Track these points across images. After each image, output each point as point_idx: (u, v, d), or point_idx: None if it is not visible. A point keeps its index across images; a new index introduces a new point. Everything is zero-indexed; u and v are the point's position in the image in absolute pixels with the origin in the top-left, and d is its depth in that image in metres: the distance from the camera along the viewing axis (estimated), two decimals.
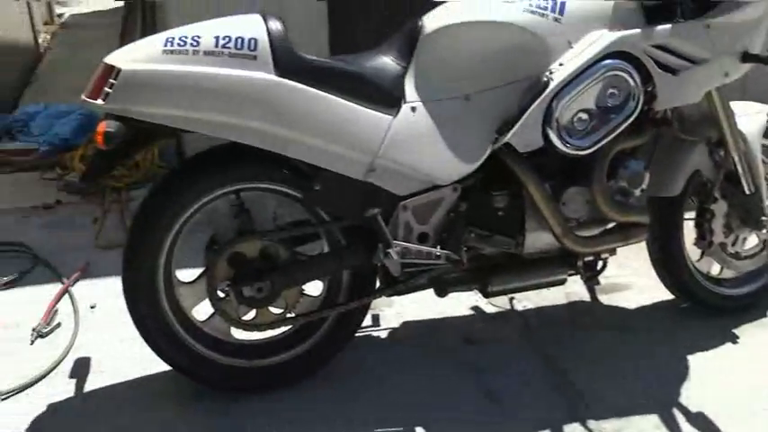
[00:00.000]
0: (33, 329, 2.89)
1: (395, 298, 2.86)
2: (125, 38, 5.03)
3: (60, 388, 2.62)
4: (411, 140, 2.36)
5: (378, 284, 2.60)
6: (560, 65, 2.39)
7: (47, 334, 2.91)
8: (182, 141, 4.29)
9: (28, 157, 4.60)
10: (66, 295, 3.16)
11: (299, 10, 4.20)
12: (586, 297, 3.18)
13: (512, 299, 3.11)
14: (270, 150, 2.29)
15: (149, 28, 5.13)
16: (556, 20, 2.40)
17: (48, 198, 4.15)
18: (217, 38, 2.22)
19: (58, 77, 6.67)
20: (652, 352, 2.81)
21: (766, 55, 2.59)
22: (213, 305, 2.46)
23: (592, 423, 2.44)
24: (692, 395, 2.57)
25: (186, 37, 2.22)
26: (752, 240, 3.01)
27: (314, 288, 2.61)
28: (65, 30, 9.14)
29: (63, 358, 2.77)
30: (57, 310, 3.06)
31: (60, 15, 9.85)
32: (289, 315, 2.53)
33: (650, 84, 2.48)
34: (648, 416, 2.47)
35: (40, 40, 7.98)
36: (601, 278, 3.10)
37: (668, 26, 2.46)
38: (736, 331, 2.93)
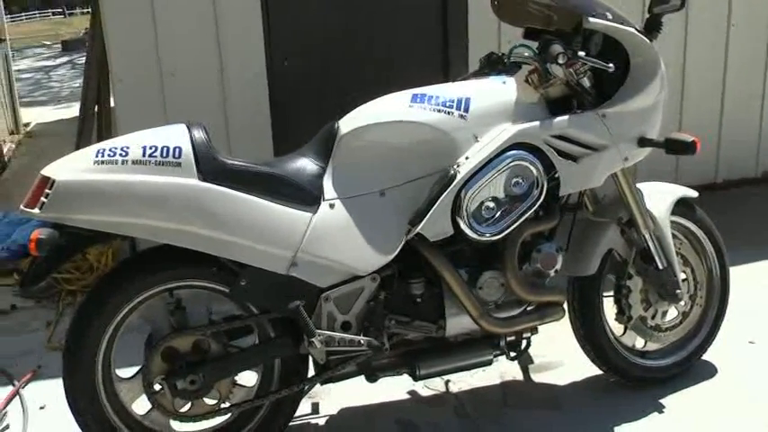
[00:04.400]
0: None
1: (332, 386, 2.98)
2: (80, 145, 5.21)
3: None
4: (330, 235, 2.52)
5: (310, 373, 2.71)
6: (467, 158, 2.57)
7: None
8: (136, 244, 4.43)
9: None
10: (17, 397, 3.23)
11: (246, 117, 4.45)
12: (519, 376, 3.29)
13: (447, 381, 3.23)
14: (198, 250, 2.44)
15: (105, 135, 5.35)
16: (461, 116, 2.60)
17: (3, 304, 4.25)
18: (144, 147, 2.39)
19: (21, 185, 6.82)
20: (581, 426, 2.93)
21: (661, 140, 2.79)
22: (149, 399, 2.56)
23: None
24: None
25: (116, 148, 2.39)
26: (672, 313, 3.17)
27: (248, 379, 2.72)
28: (31, 138, 9.37)
29: None
30: (6, 412, 3.14)
31: (27, 124, 10.10)
32: (223, 405, 2.63)
33: (554, 171, 2.67)
34: None
35: (5, 150, 8.18)
36: (534, 357, 3.26)
37: (566, 117, 2.66)
38: (662, 401, 3.06)
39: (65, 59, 21.26)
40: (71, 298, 4.25)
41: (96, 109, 5.65)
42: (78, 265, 4.38)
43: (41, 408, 3.19)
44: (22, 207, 2.37)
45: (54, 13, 43.45)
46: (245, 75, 4.58)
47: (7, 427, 3.06)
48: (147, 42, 4.38)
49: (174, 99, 4.39)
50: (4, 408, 3.15)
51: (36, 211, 2.32)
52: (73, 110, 10.40)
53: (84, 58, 20.25)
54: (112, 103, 5.15)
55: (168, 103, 4.39)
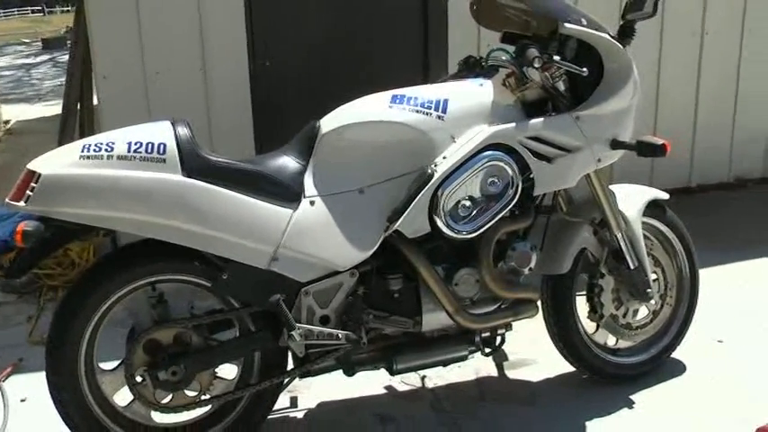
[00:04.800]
0: None
1: (312, 381, 3.04)
2: (63, 142, 5.25)
3: None
4: (310, 231, 2.58)
5: (289, 366, 2.78)
6: (444, 157, 2.65)
7: None
8: (117, 239, 4.48)
9: None
10: None
11: (229, 117, 4.52)
12: (495, 373, 3.37)
13: (423, 377, 3.30)
14: (181, 244, 2.50)
15: (88, 132, 5.38)
16: (439, 117, 2.67)
17: None
18: (129, 143, 2.44)
19: (3, 182, 6.84)
20: (555, 421, 3.02)
21: (633, 142, 2.87)
22: (131, 390, 2.61)
23: None
24: None
25: (101, 143, 2.44)
26: (642, 312, 3.26)
27: (228, 372, 2.78)
28: (11, 136, 9.37)
29: None
30: None
31: (7, 122, 10.09)
32: (203, 397, 2.69)
33: (528, 171, 2.75)
34: None
35: None
36: (509, 354, 3.34)
37: (541, 119, 2.74)
38: (632, 397, 3.15)
39: (45, 57, 21.20)
40: (52, 293, 4.29)
41: (78, 106, 5.68)
42: (60, 260, 4.40)
43: (22, 400, 3.23)
44: (7, 200, 2.42)
45: (33, 11, 43.23)
46: (228, 75, 4.64)
47: None
48: (131, 41, 4.43)
49: (157, 97, 4.45)
50: None
51: (21, 204, 2.37)
52: (54, 107, 10.44)
53: (65, 56, 20.24)
54: (95, 101, 5.19)
55: (152, 102, 4.44)
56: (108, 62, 4.44)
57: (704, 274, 3.42)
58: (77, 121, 5.46)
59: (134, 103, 4.38)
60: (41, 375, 3.19)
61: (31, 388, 3.27)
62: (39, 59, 20.96)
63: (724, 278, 4.14)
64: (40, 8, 44.14)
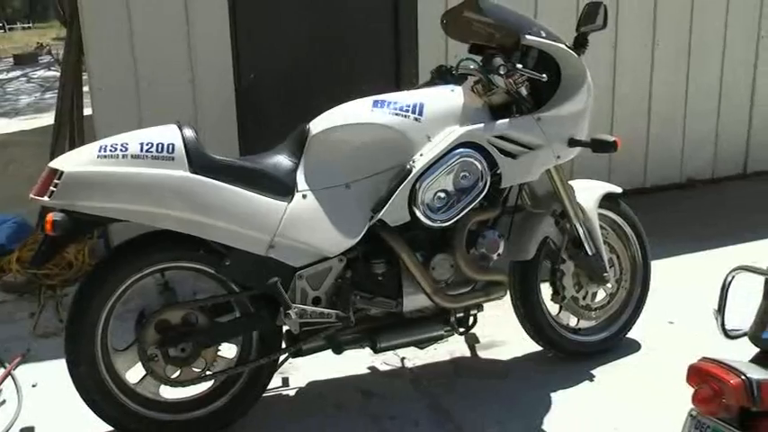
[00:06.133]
0: None
1: (302, 363, 3.35)
2: (56, 152, 5.49)
3: None
4: (303, 221, 2.89)
5: (283, 345, 3.08)
6: (421, 155, 2.98)
7: None
8: (109, 241, 4.75)
9: None
10: (10, 377, 3.52)
11: (215, 127, 4.83)
12: (468, 353, 3.70)
13: (403, 358, 3.61)
14: (187, 234, 2.80)
15: (78, 141, 5.63)
16: (416, 119, 3.00)
17: None
18: (141, 144, 2.74)
19: None
20: (524, 392, 3.33)
21: (588, 140, 3.22)
22: (144, 366, 2.90)
23: None
24: (552, 419, 3.11)
25: (116, 144, 2.74)
26: (600, 294, 3.60)
27: (229, 352, 3.07)
28: None
29: (9, 427, 3.14)
30: (0, 390, 3.42)
31: None
32: (208, 372, 2.98)
33: (496, 167, 3.09)
34: None
35: None
36: (480, 336, 3.65)
37: (506, 121, 3.09)
38: (593, 372, 3.48)
39: (18, 73, 21.26)
40: (51, 291, 4.55)
41: (68, 116, 5.93)
42: (57, 261, 4.66)
43: (33, 386, 3.48)
44: (32, 195, 2.70)
45: None
46: (215, 87, 4.94)
47: (3, 402, 3.35)
48: (124, 56, 4.71)
49: (148, 107, 4.72)
50: None
51: (45, 198, 2.65)
52: (32, 121, 10.66)
53: (38, 71, 20.20)
54: (87, 111, 5.44)
55: (143, 111, 4.71)
56: (102, 75, 4.72)
57: (657, 264, 3.78)
58: (69, 129, 5.69)
59: (127, 112, 4.65)
60: (49, 363, 3.50)
61: (41, 374, 3.54)
62: (11, 75, 21.02)
63: (675, 268, 4.49)
64: (0, 25, 43.82)
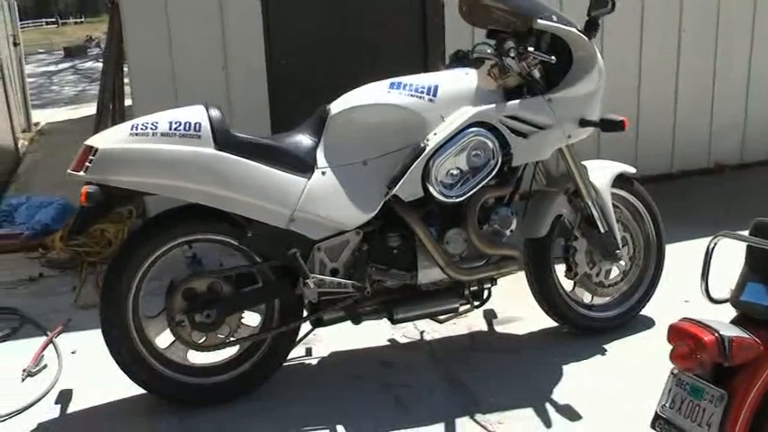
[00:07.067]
0: (24, 370, 3.48)
1: (325, 335, 3.52)
2: None
3: (49, 412, 3.21)
4: (322, 196, 3.06)
5: (304, 314, 3.25)
6: (435, 134, 3.12)
7: (35, 373, 3.50)
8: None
9: (14, 240, 5.24)
10: (51, 345, 3.75)
11: (247, 109, 5.02)
12: (485, 328, 3.83)
13: (422, 332, 3.76)
14: (213, 208, 2.97)
15: None
16: (431, 100, 3.15)
17: (32, 272, 4.79)
18: (170, 123, 2.93)
19: (36, 176, 7.43)
20: (538, 366, 3.44)
21: (597, 120, 3.33)
22: (172, 331, 3.09)
23: (479, 416, 3.07)
24: (564, 389, 3.22)
25: (147, 123, 2.93)
26: (614, 271, 3.70)
27: (252, 320, 3.24)
28: (41, 136, 9.95)
29: (50, 389, 3.36)
30: (43, 356, 3.64)
31: (37, 123, 10.67)
32: (231, 339, 3.16)
33: (508, 146, 3.21)
34: (527, 409, 3.09)
35: (19, 145, 8.72)
36: (497, 312, 3.78)
37: (517, 101, 3.21)
38: (606, 347, 3.58)
39: (67, 65, 21.82)
40: (91, 268, 4.78)
41: (111, 106, 6.18)
42: (97, 240, 4.91)
43: (73, 352, 3.70)
44: (69, 171, 2.90)
45: (47, 23, 43.88)
46: (247, 72, 5.14)
47: (45, 366, 3.56)
48: (162, 45, 4.94)
49: (184, 94, 4.90)
50: (41, 352, 3.64)
51: (81, 173, 2.85)
52: (79, 111, 11.03)
53: (85, 63, 20.78)
54: (127, 97, 5.68)
55: (180, 97, 4.89)
56: (141, 63, 4.95)
57: (679, 247, 3.87)
58: (110, 118, 5.94)
59: (163, 97, 4.84)
60: (88, 333, 3.70)
61: (80, 343, 3.75)
62: (60, 67, 21.58)
63: (696, 251, 4.49)
64: (54, 20, 44.84)
